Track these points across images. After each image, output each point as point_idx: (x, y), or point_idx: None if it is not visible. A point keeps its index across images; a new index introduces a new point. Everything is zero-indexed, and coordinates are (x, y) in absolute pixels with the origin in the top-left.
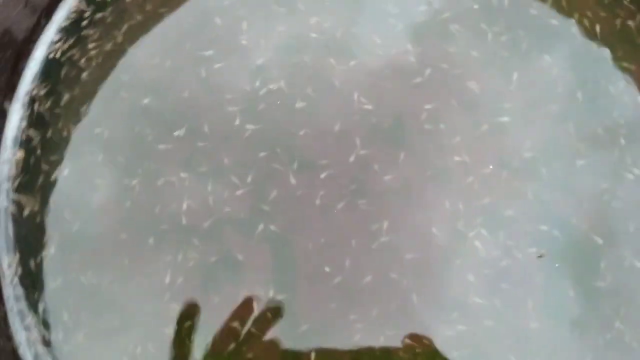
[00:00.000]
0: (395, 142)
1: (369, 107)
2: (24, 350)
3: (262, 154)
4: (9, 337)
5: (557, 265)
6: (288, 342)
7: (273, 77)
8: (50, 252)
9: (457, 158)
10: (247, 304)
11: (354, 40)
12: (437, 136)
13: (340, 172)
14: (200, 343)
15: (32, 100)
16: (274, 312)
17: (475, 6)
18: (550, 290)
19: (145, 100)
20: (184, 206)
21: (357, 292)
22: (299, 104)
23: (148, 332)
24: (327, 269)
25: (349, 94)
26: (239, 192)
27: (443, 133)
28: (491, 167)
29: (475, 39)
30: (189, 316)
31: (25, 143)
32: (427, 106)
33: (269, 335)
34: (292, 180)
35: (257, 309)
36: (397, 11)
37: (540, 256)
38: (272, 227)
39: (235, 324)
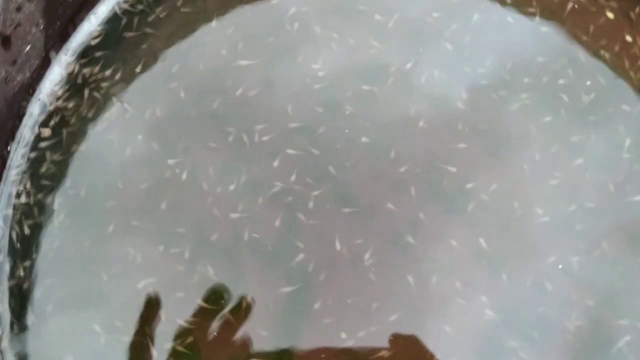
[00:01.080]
0: (453, 208)
1: (449, 167)
2: None
3: (308, 181)
4: None
5: None
6: None
7: (340, 102)
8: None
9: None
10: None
11: (438, 87)
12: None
13: (388, 221)
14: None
15: (80, 60)
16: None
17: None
18: None
19: (209, 99)
20: (212, 217)
21: None
22: (364, 139)
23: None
24: (339, 331)
25: (421, 142)
26: (274, 220)
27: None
28: (560, 266)
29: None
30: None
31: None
32: (496, 183)
33: None
34: (335, 221)
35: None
36: (486, 69)
37: None
38: (299, 267)
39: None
